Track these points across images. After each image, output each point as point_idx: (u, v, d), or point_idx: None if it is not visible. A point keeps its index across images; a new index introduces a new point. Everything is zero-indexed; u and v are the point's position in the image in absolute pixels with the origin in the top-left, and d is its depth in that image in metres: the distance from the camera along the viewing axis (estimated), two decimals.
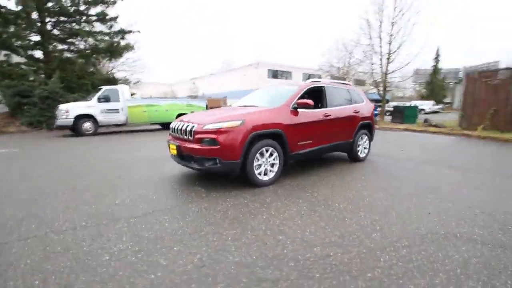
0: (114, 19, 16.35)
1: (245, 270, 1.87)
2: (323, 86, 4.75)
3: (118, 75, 19.95)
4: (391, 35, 17.23)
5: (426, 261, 1.99)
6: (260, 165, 3.66)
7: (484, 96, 11.40)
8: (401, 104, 25.49)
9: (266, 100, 4.47)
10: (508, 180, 4.17)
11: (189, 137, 3.56)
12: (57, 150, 7.03)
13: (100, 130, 10.97)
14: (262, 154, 3.65)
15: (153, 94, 28.52)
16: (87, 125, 10.06)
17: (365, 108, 5.49)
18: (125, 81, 18.70)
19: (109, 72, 19.35)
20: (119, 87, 11.15)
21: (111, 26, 16.43)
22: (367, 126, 5.51)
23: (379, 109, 20.22)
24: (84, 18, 15.39)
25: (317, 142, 4.39)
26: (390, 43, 17.40)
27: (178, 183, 3.89)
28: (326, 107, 4.65)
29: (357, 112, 5.22)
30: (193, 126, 3.52)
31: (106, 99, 10.42)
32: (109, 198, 3.25)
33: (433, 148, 7.69)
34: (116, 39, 16.45)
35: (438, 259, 2.01)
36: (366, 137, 5.53)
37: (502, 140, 9.06)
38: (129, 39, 17.02)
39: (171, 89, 44.25)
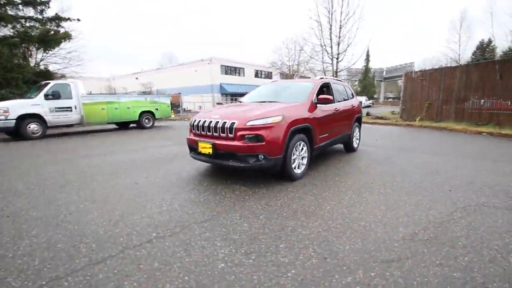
0: (45, 3, 13.88)
1: (366, 256, 1.97)
2: (329, 83, 5.05)
3: (50, 68, 17.04)
4: (339, 37, 18.92)
5: (486, 226, 2.41)
6: (294, 159, 3.74)
7: (420, 92, 13.57)
8: None
9: (284, 96, 4.51)
10: (477, 160, 5.17)
11: (228, 134, 3.41)
12: (18, 157, 5.75)
13: (49, 131, 9.30)
14: (296, 149, 3.73)
15: (93, 90, 25.35)
16: (34, 127, 8.41)
17: (356, 102, 6.03)
18: (61, 75, 16.16)
19: (38, 65, 16.36)
20: (70, 81, 9.59)
21: (42, 11, 13.91)
22: (359, 119, 6.08)
23: None
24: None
25: (331, 135, 4.68)
26: (338, 45, 19.08)
27: (209, 182, 3.68)
28: (334, 102, 4.97)
29: (353, 106, 5.71)
30: (233, 123, 3.38)
31: (55, 96, 8.85)
32: (152, 206, 2.91)
33: (394, 136, 8.89)
34: (50, 26, 14.00)
35: (491, 224, 2.46)
36: (358, 129, 6.09)
37: (439, 128, 10.98)
38: (67, 27, 14.69)
39: (109, 84, 39.84)
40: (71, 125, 9.78)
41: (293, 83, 5.13)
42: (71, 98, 9.29)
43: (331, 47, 19.00)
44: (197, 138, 3.75)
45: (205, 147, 3.56)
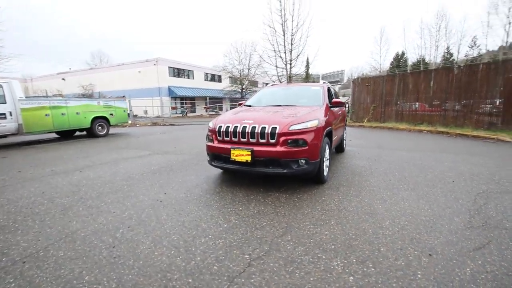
0: None
1: (458, 247, 2.15)
2: (329, 87, 5.30)
3: None
4: (292, 44, 20.01)
5: (510, 207, 2.89)
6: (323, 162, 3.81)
7: (366, 96, 15.35)
8: None
9: (297, 100, 4.53)
10: (444, 154, 6.11)
11: (269, 140, 3.26)
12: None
13: None
14: (325, 152, 3.81)
15: None
16: None
17: (343, 105, 6.48)
18: None
19: None
20: (3, 82, 7.68)
21: None
22: (345, 120, 6.54)
23: None
24: None
25: (337, 137, 4.92)
26: (291, 51, 20.16)
27: (240, 192, 3.45)
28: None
29: (344, 109, 6.12)
30: (274, 128, 3.25)
31: None
32: (212, 227, 2.58)
33: (359, 136, 9.83)
34: None
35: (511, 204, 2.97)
36: (344, 130, 6.55)
37: (386, 128, 12.60)
38: None
39: (25, 85, 33.49)
40: (3, 136, 7.86)
41: (300, 87, 5.22)
42: (5, 103, 7.48)
43: (285, 53, 19.92)
44: (228, 146, 3.46)
45: (241, 155, 3.33)
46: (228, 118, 3.75)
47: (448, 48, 43.20)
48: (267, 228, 2.48)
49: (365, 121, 14.92)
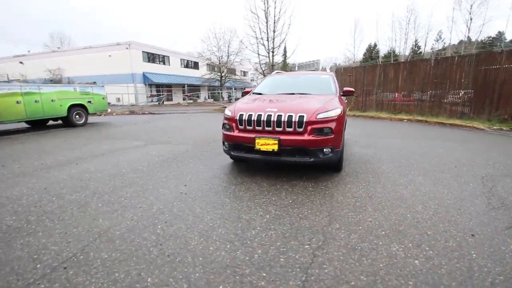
0: None
1: (493, 227, 2.32)
2: (331, 75, 5.31)
3: None
4: (274, 32, 19.79)
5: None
6: None
7: (348, 86, 15.77)
8: None
9: (309, 88, 4.46)
10: (433, 140, 6.51)
11: (296, 129, 3.21)
12: None
13: None
14: None
15: None
16: None
17: None
18: None
19: None
20: None
21: None
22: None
23: None
24: None
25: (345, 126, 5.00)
26: (273, 39, 19.95)
27: (264, 181, 3.39)
28: None
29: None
30: (302, 116, 3.20)
31: None
32: (252, 218, 2.50)
33: (348, 125, 10.13)
34: None
35: None
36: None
37: (368, 117, 13.13)
38: None
39: None
40: None
41: (309, 75, 5.17)
42: None
43: (268, 40, 19.67)
44: (251, 135, 3.35)
45: (267, 144, 3.24)
46: (248, 106, 3.61)
47: (416, 41, 45.54)
48: (311, 218, 2.47)
49: (347, 110, 15.42)
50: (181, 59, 33.34)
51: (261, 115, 3.34)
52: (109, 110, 13.33)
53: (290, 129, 3.24)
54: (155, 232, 2.21)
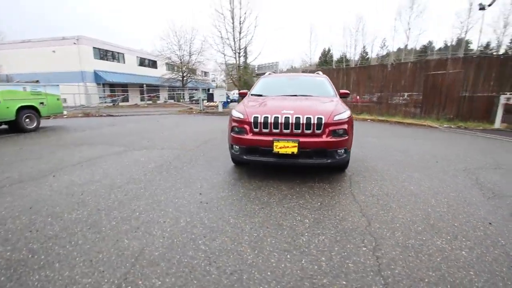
0: None
1: (502, 214, 2.63)
2: (326, 77, 5.49)
3: None
4: (240, 33, 19.76)
5: (501, 179, 3.66)
6: None
7: None
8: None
9: (309, 90, 4.50)
10: (405, 139, 7.16)
11: (315, 131, 3.23)
12: None
13: None
14: None
15: None
16: None
17: None
18: None
19: None
20: None
21: None
22: None
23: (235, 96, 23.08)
24: None
25: None
26: (240, 40, 19.91)
27: (269, 182, 3.34)
28: None
29: None
30: (320, 118, 3.22)
31: None
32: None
33: None
34: None
35: (500, 176, 3.76)
36: None
37: None
38: None
39: None
40: None
41: (304, 77, 5.24)
42: None
43: (234, 41, 19.54)
44: (269, 138, 3.26)
45: (286, 146, 3.19)
46: (261, 109, 3.52)
47: (364, 47, 49.91)
48: (349, 219, 2.49)
49: None
50: (137, 57, 31.14)
51: (278, 117, 3.28)
52: (65, 113, 11.76)
53: (309, 131, 3.24)
54: (200, 249, 2.00)
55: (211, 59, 25.12)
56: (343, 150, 3.36)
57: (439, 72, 11.59)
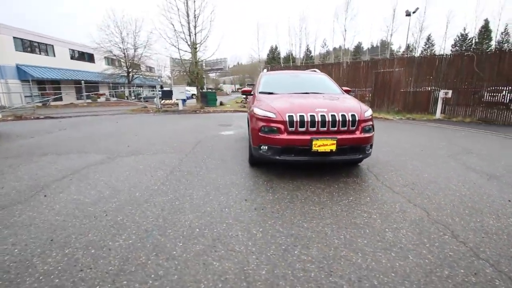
0: None
1: (503, 199, 3.13)
2: (325, 75, 5.63)
3: None
4: (195, 27, 18.88)
5: (482, 164, 4.33)
6: None
7: None
8: (207, 90, 29.01)
9: (317, 87, 4.55)
10: (387, 131, 7.86)
11: (350, 127, 3.31)
12: None
13: None
14: None
15: None
16: None
17: None
18: None
19: None
20: None
21: None
22: None
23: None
24: None
25: None
26: (195, 34, 19.01)
27: (297, 181, 3.35)
28: None
29: None
30: (354, 115, 3.31)
31: None
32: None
33: None
34: None
35: (483, 162, 4.44)
36: None
37: None
38: None
39: None
40: None
41: (305, 74, 5.27)
42: None
43: (189, 35, 18.58)
44: (306, 137, 3.22)
45: (325, 144, 3.20)
46: (291, 107, 3.43)
47: (308, 46, 52.98)
48: (408, 211, 2.63)
49: None
50: (70, 50, 26.98)
51: (314, 115, 3.26)
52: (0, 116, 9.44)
53: (344, 128, 3.31)
54: (304, 259, 1.87)
55: (161, 53, 23.38)
56: (369, 145, 3.53)
57: (387, 70, 13.06)
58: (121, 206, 2.75)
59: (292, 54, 52.37)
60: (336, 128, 3.29)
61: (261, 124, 3.45)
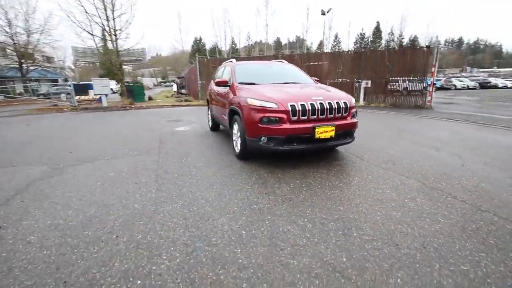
0: None
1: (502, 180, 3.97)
2: (294, 65, 5.75)
3: None
4: (113, 10, 16.48)
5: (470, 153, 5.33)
6: None
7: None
8: (132, 84, 25.81)
9: (290, 77, 4.65)
10: None
11: (343, 114, 3.54)
12: None
13: None
14: None
15: None
16: None
17: None
18: None
19: None
20: None
21: None
22: None
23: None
24: None
25: None
26: (114, 19, 16.61)
27: (309, 170, 3.51)
28: None
29: None
30: (345, 102, 3.55)
31: None
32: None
33: None
34: None
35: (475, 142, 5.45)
36: None
37: None
38: None
39: None
40: None
41: (276, 64, 5.25)
42: None
43: (107, 20, 16.11)
44: (308, 125, 3.29)
45: (326, 131, 3.34)
46: (289, 97, 3.42)
47: (233, 38, 53.24)
48: (401, 189, 3.03)
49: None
50: None
51: (313, 104, 3.34)
52: None
53: (339, 115, 3.52)
54: (364, 239, 1.95)
55: (72, 40, 19.47)
56: (355, 129, 3.87)
57: (318, 63, 14.40)
58: (127, 223, 2.24)
59: (218, 46, 51.72)
60: (333, 115, 3.47)
61: (261, 115, 3.33)
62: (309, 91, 3.78)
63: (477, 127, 6.55)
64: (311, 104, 3.34)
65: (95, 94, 17.50)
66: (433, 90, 11.74)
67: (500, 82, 30.84)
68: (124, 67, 18.30)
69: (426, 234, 2.01)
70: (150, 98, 19.99)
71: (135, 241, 1.97)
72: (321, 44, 52.89)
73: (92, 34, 16.87)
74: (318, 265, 1.69)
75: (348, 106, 3.58)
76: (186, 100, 17.01)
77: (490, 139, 5.19)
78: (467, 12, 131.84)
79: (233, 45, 53.39)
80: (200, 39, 53.23)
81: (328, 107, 3.41)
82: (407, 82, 12.02)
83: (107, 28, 16.27)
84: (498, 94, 20.96)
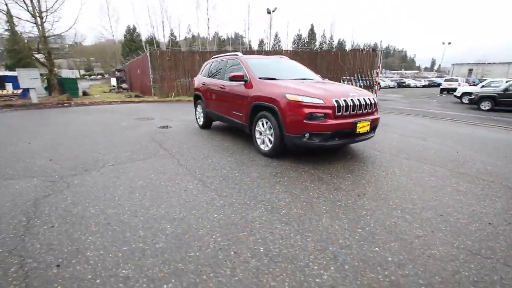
0: None
1: (503, 172, 4.71)
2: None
3: None
4: None
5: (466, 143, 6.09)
6: None
7: (169, 71, 15.21)
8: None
9: (301, 74, 4.67)
10: None
11: (371, 110, 3.78)
12: None
13: None
14: None
15: None
16: None
17: None
18: None
19: None
20: None
21: None
22: None
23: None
24: None
25: None
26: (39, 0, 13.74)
27: (331, 165, 3.69)
28: None
29: None
30: (373, 99, 3.79)
31: None
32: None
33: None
34: None
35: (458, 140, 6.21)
36: None
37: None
38: None
39: None
40: None
41: (284, 60, 5.14)
42: None
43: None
44: (350, 120, 3.42)
45: (364, 126, 3.54)
46: (332, 93, 3.47)
47: (172, 30, 49.98)
48: (428, 176, 3.44)
49: (173, 95, 15.02)
50: None
51: (353, 100, 3.48)
52: None
53: (370, 110, 3.75)
54: (399, 224, 2.18)
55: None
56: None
57: None
58: (230, 236, 1.96)
59: (155, 38, 47.84)
60: (367, 111, 3.68)
61: (306, 111, 3.30)
62: (346, 88, 3.92)
63: (430, 120, 7.84)
64: (351, 100, 3.47)
65: (19, 88, 14.22)
66: (378, 88, 13.46)
67: (411, 82, 37.62)
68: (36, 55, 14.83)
69: (500, 212, 2.35)
70: (85, 93, 17.41)
71: (258, 255, 1.75)
72: (262, 42, 54.32)
73: (6, 14, 13.63)
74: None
75: (376, 102, 3.85)
76: (136, 96, 15.33)
77: (450, 130, 6.27)
78: (381, 22, 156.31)
79: (172, 38, 50.20)
80: (134, 28, 48.24)
81: (364, 103, 3.60)
82: (358, 81, 13.47)
83: (30, 8, 13.33)
84: (414, 92, 25.36)
